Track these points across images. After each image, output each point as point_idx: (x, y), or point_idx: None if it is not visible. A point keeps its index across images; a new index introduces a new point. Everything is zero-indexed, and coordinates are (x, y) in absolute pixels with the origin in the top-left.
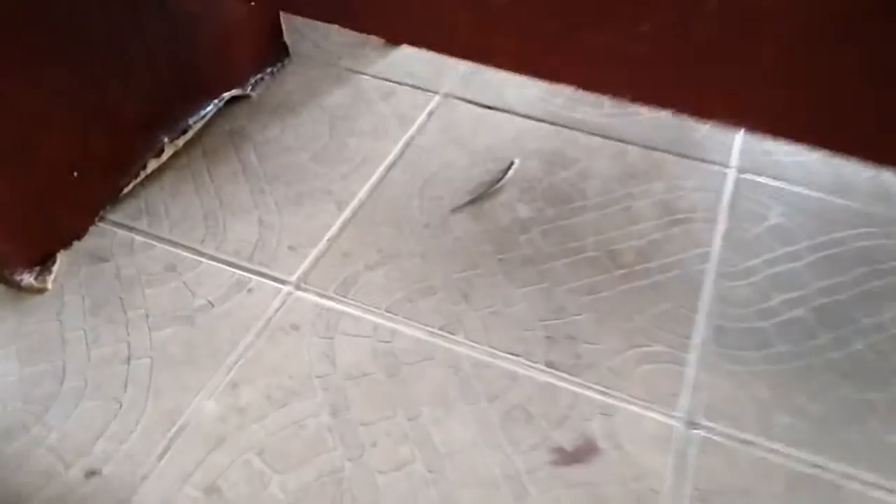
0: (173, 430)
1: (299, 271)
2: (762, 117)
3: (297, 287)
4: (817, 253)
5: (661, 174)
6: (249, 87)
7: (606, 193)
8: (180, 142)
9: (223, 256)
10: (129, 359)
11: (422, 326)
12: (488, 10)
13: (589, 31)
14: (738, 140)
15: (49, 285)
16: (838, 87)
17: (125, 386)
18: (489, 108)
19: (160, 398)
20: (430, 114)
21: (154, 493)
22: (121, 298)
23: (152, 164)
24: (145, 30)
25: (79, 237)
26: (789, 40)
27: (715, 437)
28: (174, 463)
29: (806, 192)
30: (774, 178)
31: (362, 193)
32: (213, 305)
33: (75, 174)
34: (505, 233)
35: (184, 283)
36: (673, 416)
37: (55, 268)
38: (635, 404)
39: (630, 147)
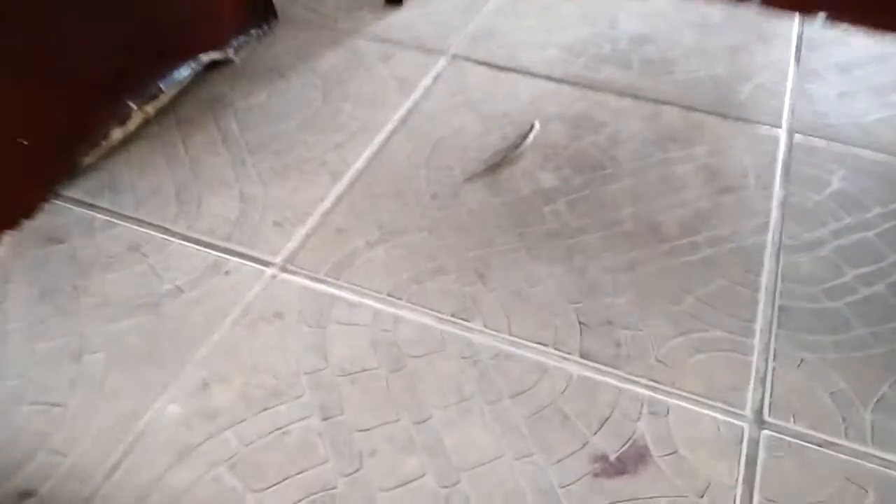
0: (129, 439)
1: (285, 251)
2: None
3: (283, 269)
4: (891, 221)
5: (704, 137)
6: (232, 51)
7: (642, 158)
8: (150, 108)
9: (196, 235)
10: (80, 354)
11: (430, 312)
12: None
13: None
14: (788, 99)
15: None
16: None
17: (73, 386)
18: (503, 69)
19: (115, 400)
20: (437, 77)
21: None
22: (75, 285)
23: (117, 133)
24: None
25: (28, 216)
26: None
27: (787, 438)
28: (128, 480)
29: (869, 154)
30: (832, 139)
31: (360, 163)
32: (182, 291)
33: (24, 143)
34: (526, 204)
35: (150, 265)
36: (737, 414)
37: None
38: (690, 400)
39: (666, 108)
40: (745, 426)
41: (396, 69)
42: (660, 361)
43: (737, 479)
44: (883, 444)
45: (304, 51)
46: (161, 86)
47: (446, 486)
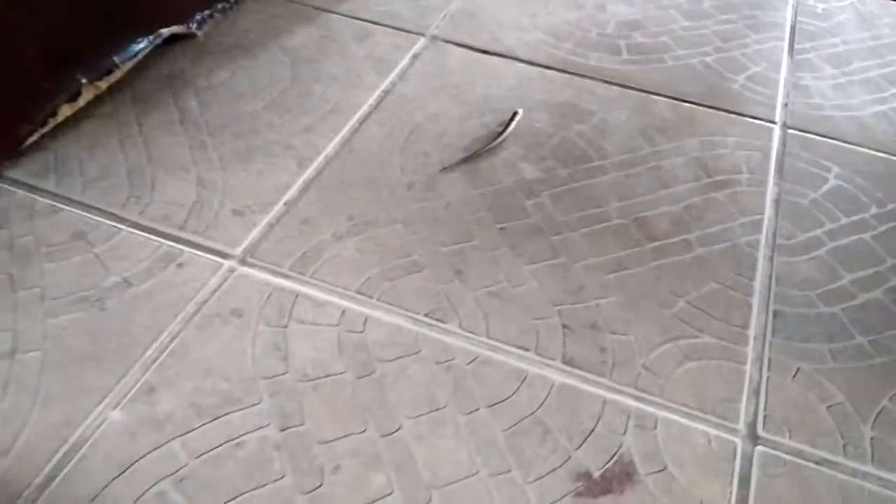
0: (64, 448)
1: (246, 242)
2: None
3: (243, 262)
4: (888, 222)
5: (695, 129)
6: (194, 25)
7: (630, 151)
8: (103, 84)
9: (148, 223)
10: (13, 352)
11: (403, 312)
12: None
13: None
14: (781, 91)
15: None
16: None
17: (4, 388)
18: (484, 52)
19: (50, 405)
20: (415, 57)
21: None
22: (10, 275)
23: (65, 110)
24: None
25: None
26: None
27: (783, 455)
28: (63, 495)
29: (866, 150)
30: (827, 134)
31: (330, 149)
32: (130, 284)
33: None
34: (507, 196)
35: (95, 255)
36: (729, 428)
37: None
38: (680, 413)
39: (656, 98)
40: (738, 441)
41: (372, 49)
42: (647, 369)
43: (729, 500)
44: (883, 462)
45: (272, 26)
46: (115, 60)
47: None
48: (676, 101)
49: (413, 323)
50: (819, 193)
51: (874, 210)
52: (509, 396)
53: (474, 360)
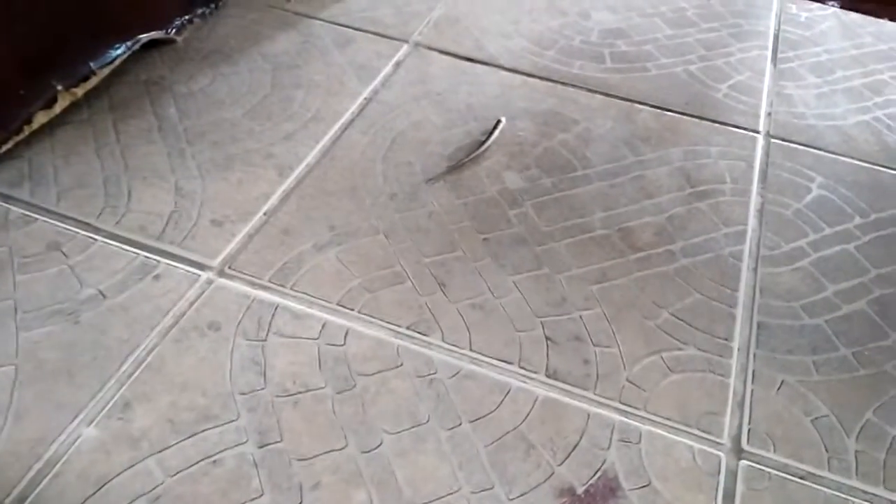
0: (37, 466)
1: (224, 253)
2: None
3: (221, 273)
4: (872, 232)
5: (679, 138)
6: (174, 30)
7: (614, 160)
8: (80, 91)
9: (124, 234)
10: None
11: (385, 325)
12: None
13: None
14: (765, 100)
15: None
16: None
17: None
18: (468, 59)
19: (22, 422)
20: (397, 65)
21: None
22: None
23: (41, 118)
24: None
25: None
26: None
27: (767, 469)
28: None
29: (849, 160)
30: (810, 144)
31: (311, 157)
32: (105, 297)
33: None
34: (491, 207)
35: (69, 266)
36: (714, 442)
37: None
38: (664, 426)
39: (640, 107)
40: (723, 455)
41: (354, 55)
42: (631, 382)
43: None
44: (868, 476)
45: (253, 32)
46: (92, 66)
47: None
48: (660, 111)
49: (395, 336)
50: (802, 203)
51: (858, 220)
52: (492, 411)
53: (457, 373)
